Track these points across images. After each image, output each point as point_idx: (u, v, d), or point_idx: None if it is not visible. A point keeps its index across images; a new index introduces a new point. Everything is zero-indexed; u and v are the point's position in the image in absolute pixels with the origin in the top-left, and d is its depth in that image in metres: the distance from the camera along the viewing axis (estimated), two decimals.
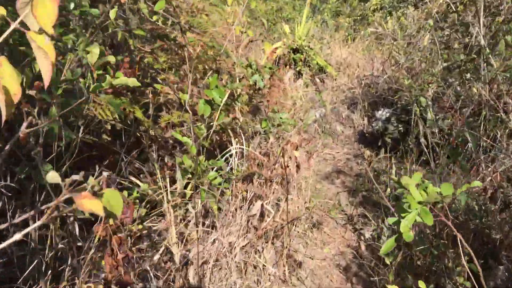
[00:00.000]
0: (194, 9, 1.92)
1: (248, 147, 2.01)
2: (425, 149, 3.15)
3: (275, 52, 5.71)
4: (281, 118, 2.03)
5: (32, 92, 1.12)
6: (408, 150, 3.48)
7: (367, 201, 3.07)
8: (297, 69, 5.87)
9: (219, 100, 1.67)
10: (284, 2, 8.90)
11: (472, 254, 1.28)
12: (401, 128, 3.55)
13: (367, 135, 4.04)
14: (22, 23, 0.64)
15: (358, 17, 7.47)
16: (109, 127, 1.87)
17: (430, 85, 2.99)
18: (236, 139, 2.01)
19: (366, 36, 6.50)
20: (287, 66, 5.91)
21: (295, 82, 5.89)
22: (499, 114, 2.32)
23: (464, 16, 3.73)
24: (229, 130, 1.97)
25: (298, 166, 2.14)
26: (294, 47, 5.98)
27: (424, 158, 3.26)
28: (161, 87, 1.82)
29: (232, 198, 1.86)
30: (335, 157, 3.83)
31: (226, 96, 1.73)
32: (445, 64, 3.37)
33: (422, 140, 3.25)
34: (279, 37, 6.93)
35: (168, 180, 1.63)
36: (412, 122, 3.31)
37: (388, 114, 3.83)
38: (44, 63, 0.62)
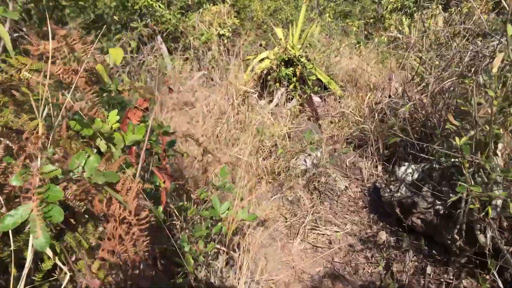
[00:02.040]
0: None
1: None
2: (487, 257, 1.75)
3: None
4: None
5: None
6: (453, 248, 2.07)
7: None
8: (290, 87, 4.47)
9: None
10: (284, 2, 7.56)
11: None
12: (441, 207, 2.13)
13: (382, 200, 2.63)
14: None
15: (371, 20, 6.02)
16: None
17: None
18: None
19: (380, 44, 5.06)
20: (277, 84, 4.53)
21: (287, 104, 4.51)
22: None
23: None
24: None
25: None
26: (287, 58, 4.59)
27: (485, 275, 1.87)
28: None
29: None
30: (332, 241, 2.44)
31: None
32: None
33: (482, 240, 1.84)
34: (269, 44, 5.54)
35: None
36: (462, 205, 1.90)
37: (416, 174, 2.42)
38: None
